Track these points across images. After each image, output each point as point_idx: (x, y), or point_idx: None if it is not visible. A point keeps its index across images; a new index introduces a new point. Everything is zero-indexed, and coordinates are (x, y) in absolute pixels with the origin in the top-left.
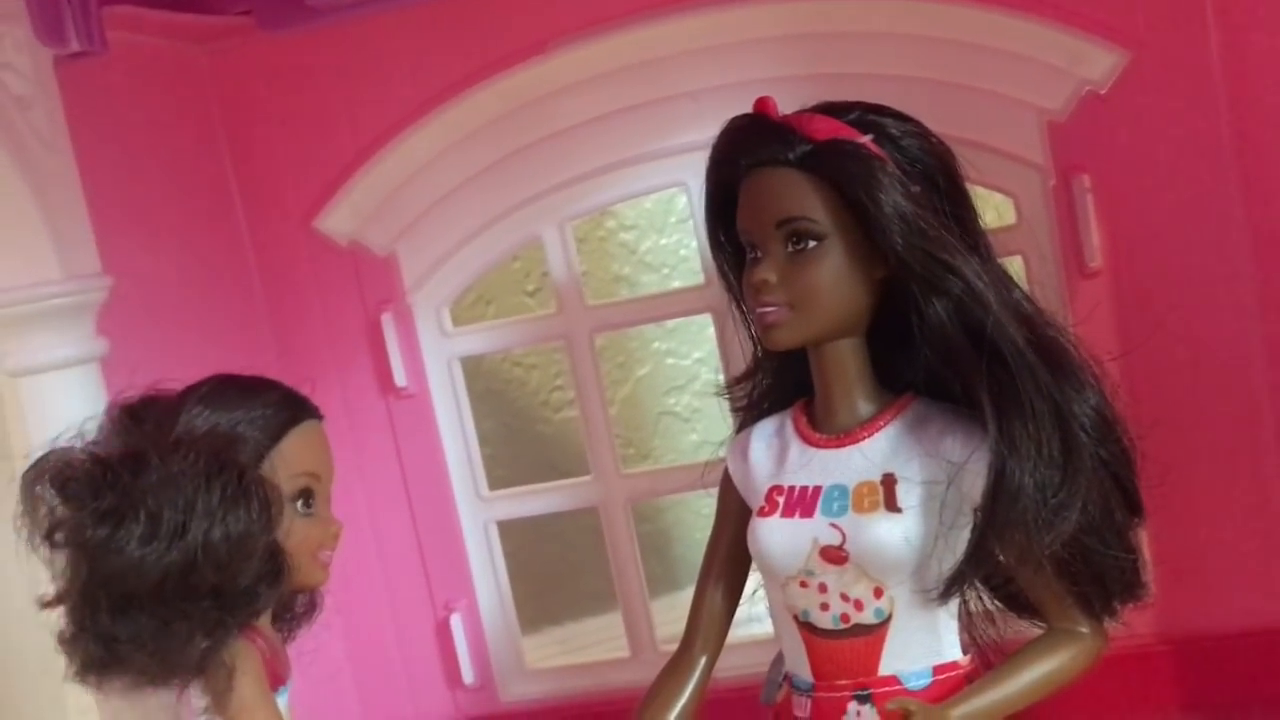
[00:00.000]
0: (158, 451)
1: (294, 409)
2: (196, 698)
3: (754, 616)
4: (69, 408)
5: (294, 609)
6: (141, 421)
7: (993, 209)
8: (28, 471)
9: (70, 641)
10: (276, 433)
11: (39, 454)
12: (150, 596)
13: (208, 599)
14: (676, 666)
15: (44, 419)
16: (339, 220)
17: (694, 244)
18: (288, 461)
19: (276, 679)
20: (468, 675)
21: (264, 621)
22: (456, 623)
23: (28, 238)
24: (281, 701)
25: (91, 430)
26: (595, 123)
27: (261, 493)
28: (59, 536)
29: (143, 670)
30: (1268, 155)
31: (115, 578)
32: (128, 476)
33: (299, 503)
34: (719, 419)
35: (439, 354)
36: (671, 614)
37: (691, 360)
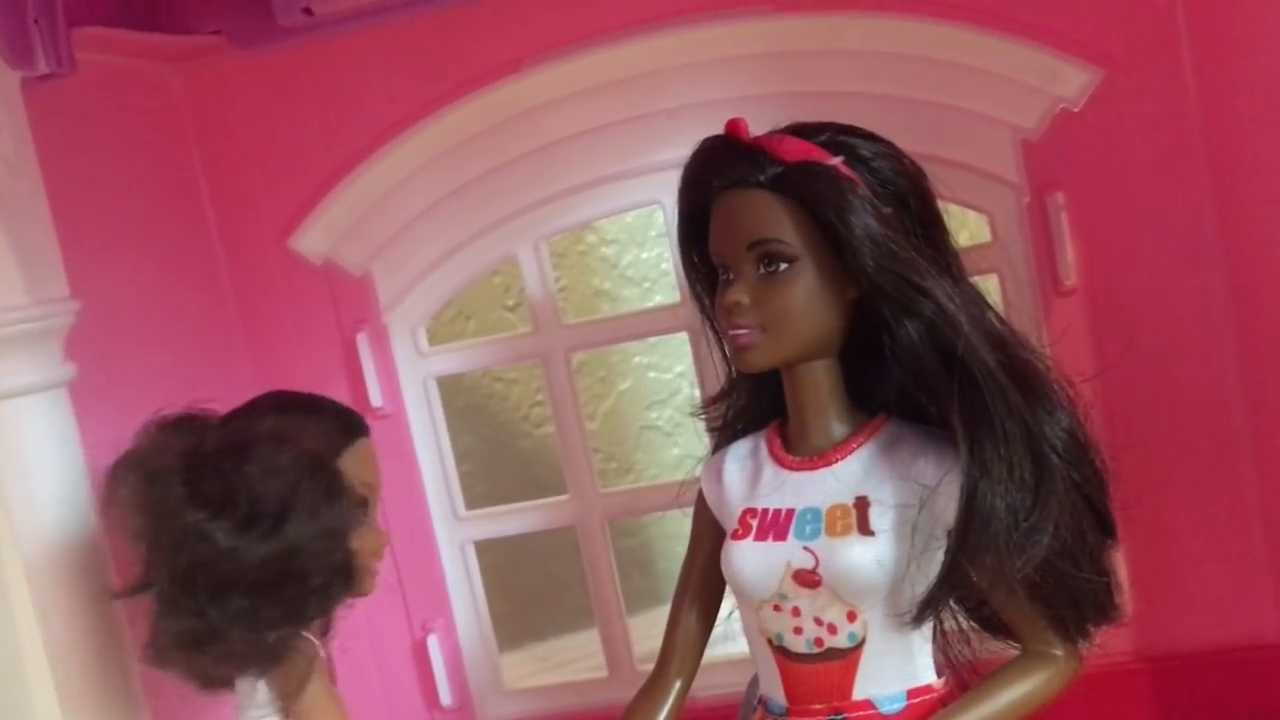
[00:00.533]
0: (264, 442)
1: (353, 423)
2: (255, 692)
3: (730, 635)
4: (37, 433)
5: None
6: (201, 428)
7: (967, 229)
8: (120, 460)
9: (164, 618)
10: (340, 445)
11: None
12: (247, 582)
13: (294, 587)
14: (652, 689)
15: (12, 444)
16: (313, 239)
17: (673, 259)
18: (352, 471)
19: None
20: (445, 696)
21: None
22: (434, 644)
23: None
24: None
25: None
26: (570, 141)
27: (352, 493)
28: (158, 520)
29: (230, 653)
30: (1242, 173)
31: (210, 563)
32: (229, 465)
33: (360, 511)
34: (700, 434)
35: (415, 374)
36: (654, 629)
37: (673, 374)
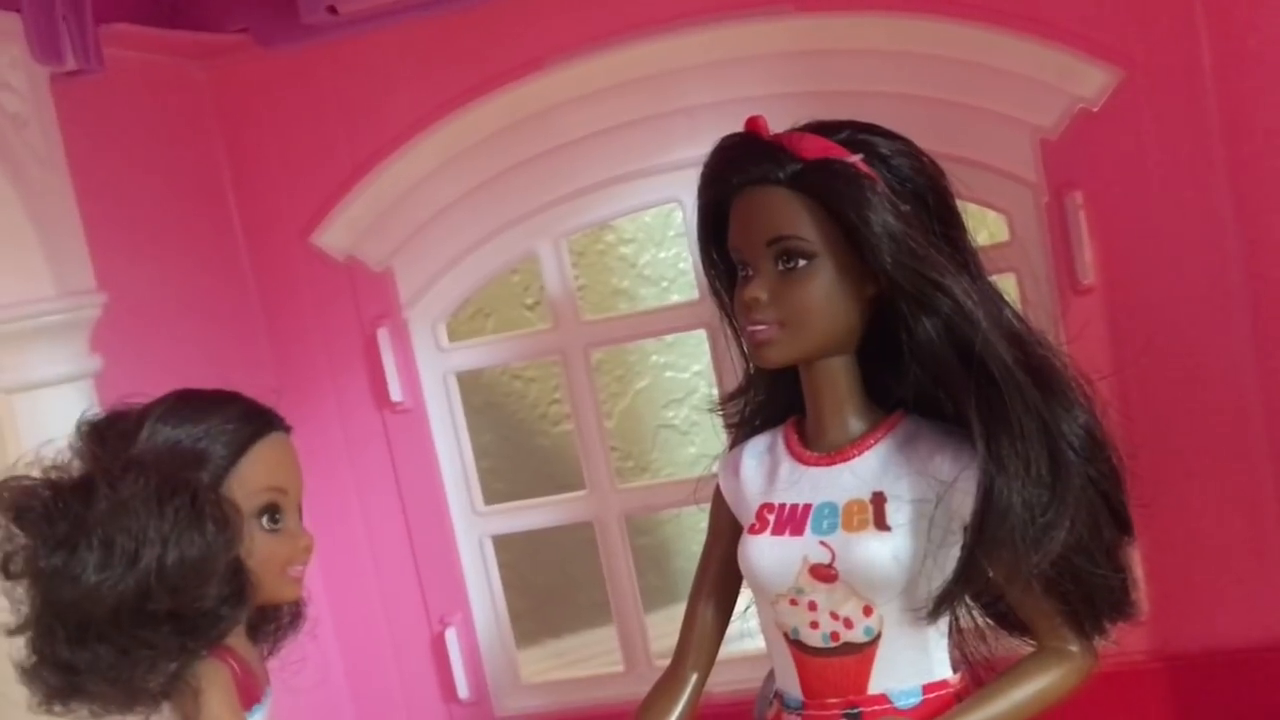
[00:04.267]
0: (107, 478)
1: (257, 423)
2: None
3: (746, 632)
4: (64, 424)
5: (277, 621)
6: (103, 441)
7: (986, 229)
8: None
9: (30, 672)
10: (239, 448)
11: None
12: (107, 625)
13: (167, 625)
14: (668, 684)
15: (39, 436)
16: (336, 235)
17: (691, 258)
18: (250, 477)
19: (250, 697)
20: (463, 690)
21: (239, 638)
22: (451, 637)
23: (22, 254)
24: (257, 719)
25: (55, 453)
26: (591, 139)
27: (217, 513)
28: (14, 566)
29: (105, 699)
30: (1260, 172)
31: (70, 607)
32: (79, 505)
33: (264, 519)
34: (717, 432)
35: (435, 369)
36: (670, 626)
37: (690, 374)
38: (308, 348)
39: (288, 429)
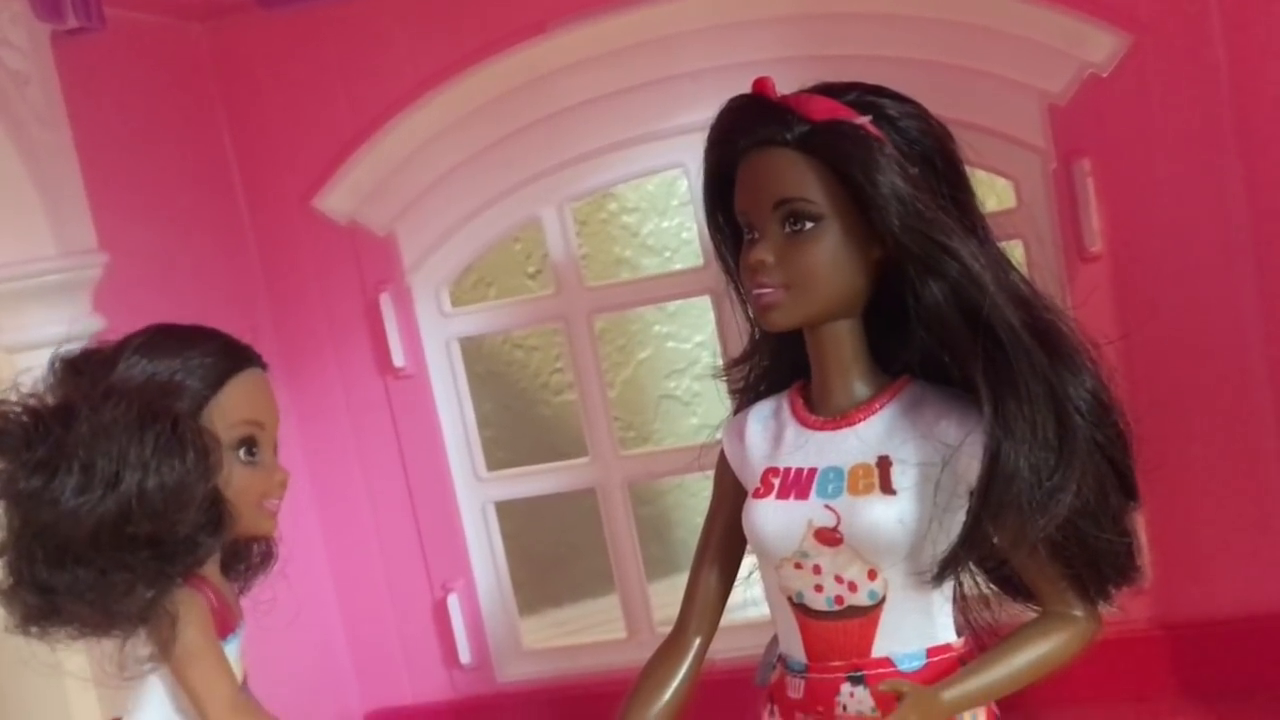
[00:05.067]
0: (89, 402)
1: (234, 357)
2: (140, 646)
3: (750, 600)
4: None
5: (249, 559)
6: (79, 373)
7: (994, 195)
8: None
9: (8, 593)
10: (216, 381)
11: None
12: (86, 547)
13: (146, 549)
14: (671, 648)
15: None
16: (338, 199)
17: (695, 227)
18: (228, 409)
19: (225, 627)
20: (465, 655)
21: (212, 570)
22: (454, 603)
23: (24, 214)
24: (232, 649)
25: (29, 382)
26: (595, 103)
27: (197, 441)
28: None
29: (83, 621)
30: (1269, 139)
31: (50, 529)
32: (59, 428)
33: (241, 451)
34: (719, 402)
35: (437, 334)
36: (671, 596)
37: (692, 344)
38: (309, 312)
39: (264, 366)
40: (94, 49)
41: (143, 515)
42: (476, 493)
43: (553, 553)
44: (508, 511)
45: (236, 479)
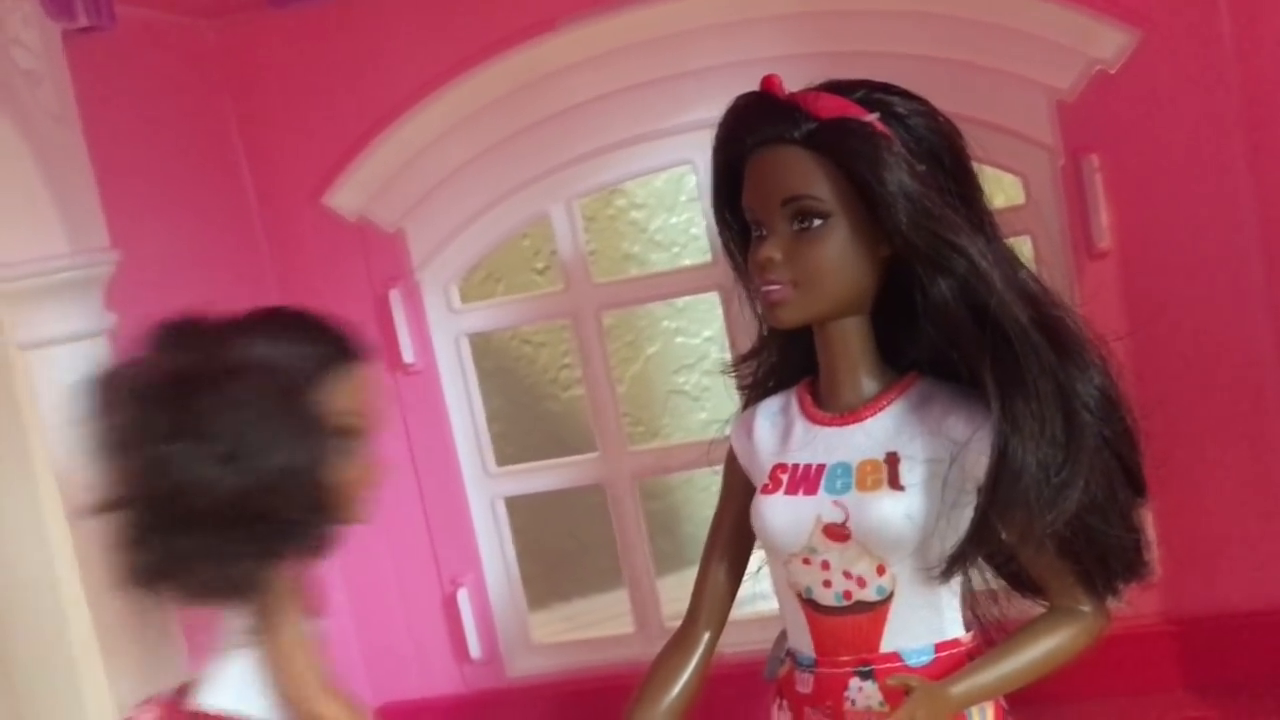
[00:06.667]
0: (210, 374)
1: (351, 347)
2: (234, 618)
3: (759, 594)
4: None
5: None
6: (187, 344)
7: (1002, 192)
8: (102, 376)
9: (129, 546)
10: (336, 369)
11: (112, 364)
12: (210, 516)
13: (260, 525)
14: (680, 643)
15: (53, 392)
16: (347, 196)
17: (703, 223)
18: (344, 399)
19: (314, 610)
20: (474, 650)
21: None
22: (463, 598)
23: (36, 212)
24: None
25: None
26: (603, 100)
27: (323, 426)
28: (128, 444)
29: (196, 584)
30: (1279, 136)
31: (177, 493)
32: (207, 394)
33: (351, 440)
34: (728, 398)
35: (446, 330)
36: (681, 591)
37: (701, 339)
38: (319, 307)
39: (370, 360)
40: (105, 48)
41: (263, 493)
42: (486, 488)
43: (562, 547)
44: (517, 506)
45: (347, 467)
